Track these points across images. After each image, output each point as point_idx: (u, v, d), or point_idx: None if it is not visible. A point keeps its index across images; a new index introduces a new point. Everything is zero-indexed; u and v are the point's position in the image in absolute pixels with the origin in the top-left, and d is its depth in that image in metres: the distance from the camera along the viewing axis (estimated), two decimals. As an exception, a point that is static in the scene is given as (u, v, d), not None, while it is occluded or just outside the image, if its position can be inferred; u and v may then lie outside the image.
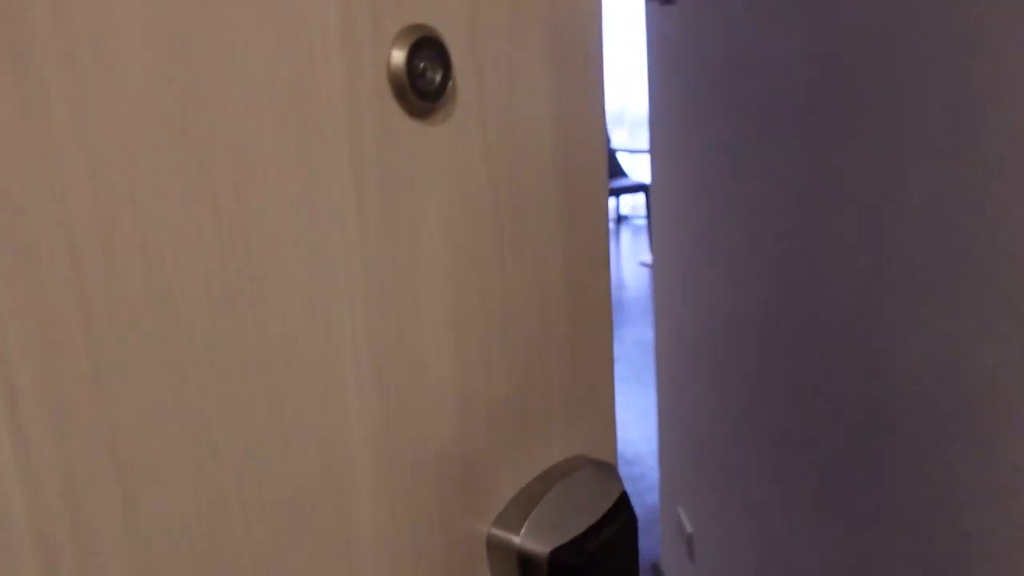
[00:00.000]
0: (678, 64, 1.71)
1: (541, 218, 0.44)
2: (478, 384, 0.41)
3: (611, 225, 6.52)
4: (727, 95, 1.43)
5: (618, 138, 6.38)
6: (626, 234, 6.21)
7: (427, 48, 0.37)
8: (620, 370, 3.63)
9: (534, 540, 0.43)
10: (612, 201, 6.58)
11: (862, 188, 0.98)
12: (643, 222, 6.53)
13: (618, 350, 3.88)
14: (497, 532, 0.43)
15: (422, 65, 0.36)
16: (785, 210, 1.22)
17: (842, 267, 1.06)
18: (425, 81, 0.36)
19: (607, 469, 0.46)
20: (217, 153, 0.30)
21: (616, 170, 5.67)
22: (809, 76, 1.10)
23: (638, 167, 6.52)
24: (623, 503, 0.47)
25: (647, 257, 5.44)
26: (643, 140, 5.50)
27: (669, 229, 1.99)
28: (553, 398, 0.46)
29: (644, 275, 5.13)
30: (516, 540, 0.42)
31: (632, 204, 6.69)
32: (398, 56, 0.35)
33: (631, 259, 5.51)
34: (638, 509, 2.55)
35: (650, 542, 2.44)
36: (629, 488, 2.66)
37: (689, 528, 1.98)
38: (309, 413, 0.34)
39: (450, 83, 0.38)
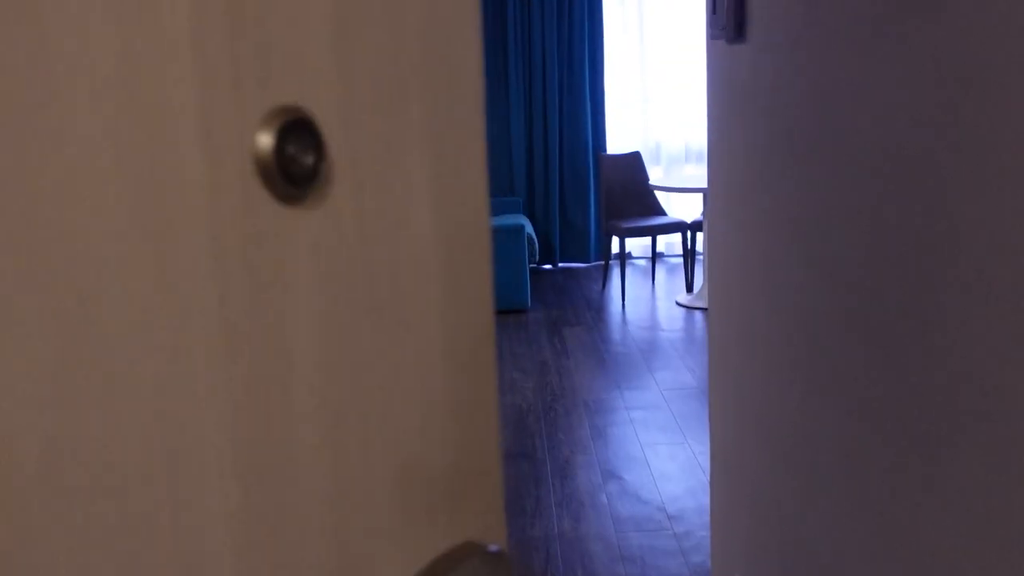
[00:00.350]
0: (746, 104, 1.61)
1: (422, 302, 0.42)
2: (355, 479, 0.39)
3: (646, 264, 6.41)
4: (809, 142, 1.32)
5: (654, 176, 6.30)
6: (661, 273, 6.09)
7: (297, 130, 0.35)
8: (659, 418, 3.50)
9: None
10: (647, 240, 6.48)
11: (976, 256, 0.87)
12: (679, 260, 6.41)
13: (655, 397, 3.75)
14: None
15: (292, 149, 0.34)
16: (871, 267, 1.11)
17: (946, 340, 0.94)
18: (296, 165, 0.34)
19: (496, 557, 0.46)
20: (56, 260, 0.27)
21: (653, 208, 5.57)
22: (919, 133, 1.00)
23: (674, 205, 6.42)
24: None
25: (683, 297, 5.32)
26: (679, 178, 5.40)
27: (726, 273, 1.88)
28: (436, 485, 0.45)
29: (680, 316, 5.00)
30: None
31: (667, 242, 6.59)
32: (265, 140, 0.33)
33: (666, 299, 5.39)
34: (684, 571, 2.41)
35: (698, 608, 2.30)
36: (674, 547, 2.52)
37: (748, 601, 1.85)
38: (166, 538, 0.31)
39: (323, 166, 0.35)
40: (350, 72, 0.37)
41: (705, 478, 2.93)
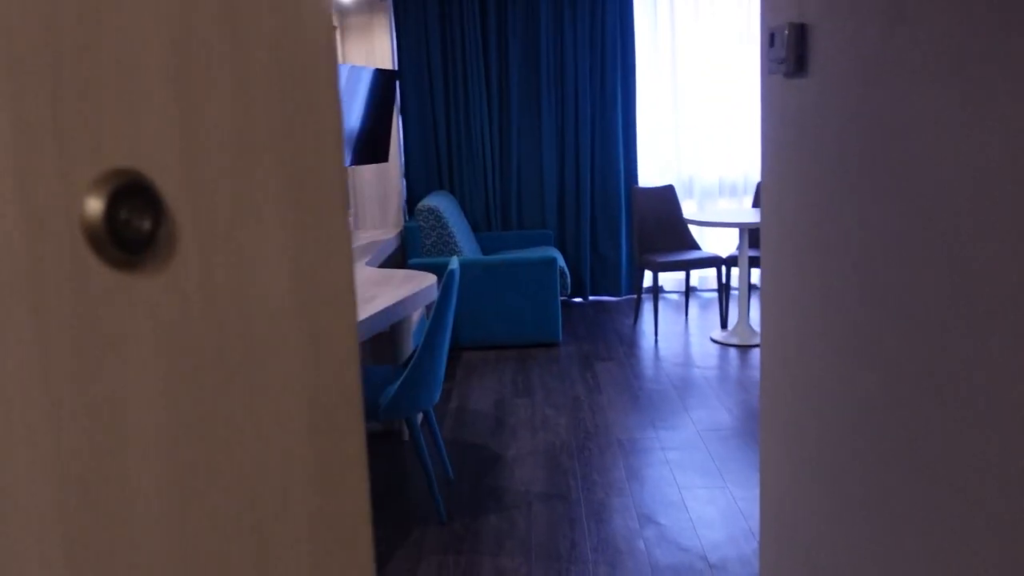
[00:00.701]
0: (806, 140, 1.54)
1: (280, 368, 0.40)
2: (206, 554, 0.36)
3: (678, 298, 6.32)
4: (880, 180, 1.25)
5: (687, 209, 6.23)
6: (694, 308, 6.00)
7: (132, 194, 0.33)
8: (696, 460, 3.40)
9: None
10: (679, 274, 6.39)
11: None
12: (712, 295, 6.32)
13: (691, 437, 3.65)
14: None
15: (125, 213, 0.33)
16: (948, 311, 1.03)
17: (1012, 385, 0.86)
18: (131, 231, 0.33)
19: None
20: None
21: (686, 242, 5.49)
22: (1007, 175, 0.92)
23: (708, 239, 6.33)
24: None
25: (718, 333, 5.22)
26: (713, 212, 5.33)
27: (779, 311, 1.80)
28: (298, 556, 0.42)
29: (714, 352, 4.90)
30: None
31: (699, 276, 6.49)
32: (95, 205, 0.32)
33: (700, 335, 5.29)
34: (728, 623, 2.30)
35: (743, 664, 2.19)
36: (716, 597, 2.41)
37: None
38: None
39: (162, 230, 0.34)
40: (196, 136, 0.35)
41: (747, 525, 2.83)
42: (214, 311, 0.36)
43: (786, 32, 1.51)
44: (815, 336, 1.57)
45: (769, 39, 1.63)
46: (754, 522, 2.84)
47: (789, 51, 1.51)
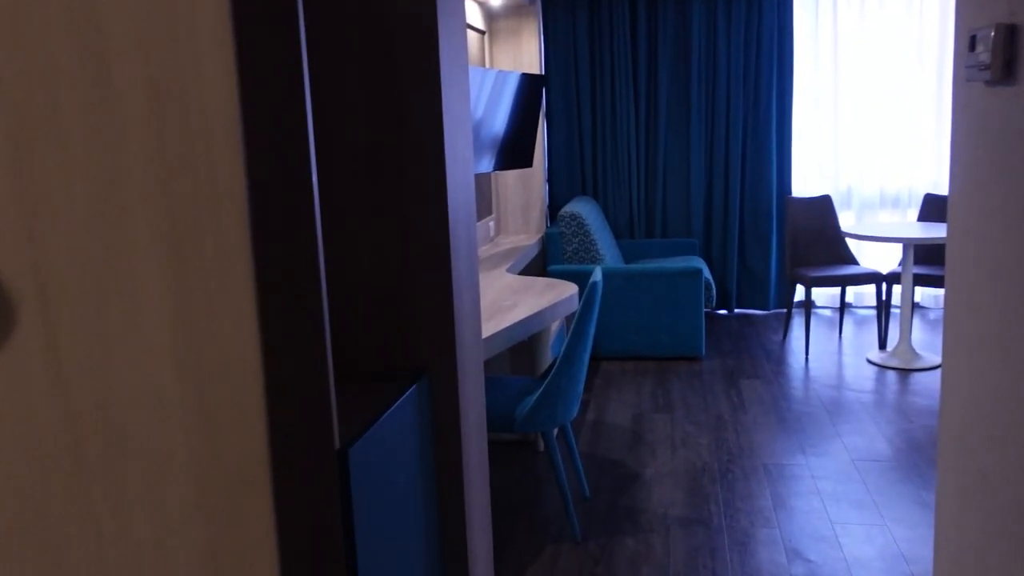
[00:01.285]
0: (1010, 157, 1.36)
1: (157, 447, 0.33)
2: None
3: (831, 314, 5.97)
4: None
5: (845, 221, 5.88)
6: (848, 326, 5.65)
7: None
8: (850, 492, 3.17)
9: None
10: (834, 289, 6.05)
11: None
12: (868, 313, 5.94)
13: (845, 466, 3.41)
14: None
15: None
16: None
17: None
18: None
19: None
20: None
21: (843, 256, 5.18)
22: None
23: (865, 253, 5.96)
24: None
25: (875, 354, 4.89)
26: (872, 225, 4.99)
27: (970, 343, 1.60)
28: None
29: (871, 375, 4.59)
30: None
31: (855, 293, 6.12)
32: None
33: (855, 355, 4.97)
34: None
35: None
36: (874, 649, 2.21)
37: None
38: None
39: None
40: (43, 200, 0.32)
41: (909, 570, 2.59)
42: (66, 398, 0.34)
43: (992, 34, 1.34)
44: (1016, 378, 1.38)
45: (968, 42, 1.45)
46: (919, 568, 2.60)
47: (995, 56, 1.34)
